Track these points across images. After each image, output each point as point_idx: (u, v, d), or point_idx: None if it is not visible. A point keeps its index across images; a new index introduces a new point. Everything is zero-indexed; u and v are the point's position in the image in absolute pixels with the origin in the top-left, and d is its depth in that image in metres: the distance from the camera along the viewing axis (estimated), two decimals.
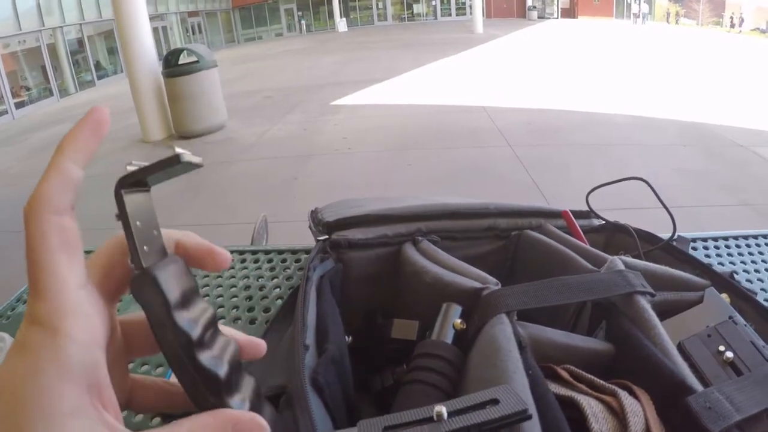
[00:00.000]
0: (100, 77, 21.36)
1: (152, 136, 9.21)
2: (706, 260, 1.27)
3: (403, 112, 9.42)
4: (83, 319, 0.32)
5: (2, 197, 7.30)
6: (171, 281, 0.35)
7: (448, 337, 0.67)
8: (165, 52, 10.84)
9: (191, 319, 0.35)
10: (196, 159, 0.35)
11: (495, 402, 0.43)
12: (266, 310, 1.13)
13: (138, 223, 0.35)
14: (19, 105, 16.14)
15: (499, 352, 0.58)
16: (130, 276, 0.34)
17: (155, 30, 10.12)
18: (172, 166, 0.34)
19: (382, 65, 15.44)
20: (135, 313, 0.39)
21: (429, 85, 11.88)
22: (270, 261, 1.37)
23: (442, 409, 0.42)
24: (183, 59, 9.18)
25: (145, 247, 0.35)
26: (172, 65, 9.05)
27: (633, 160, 6.25)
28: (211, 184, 6.31)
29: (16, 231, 5.74)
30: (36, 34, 17.51)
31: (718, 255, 1.31)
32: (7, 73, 15.69)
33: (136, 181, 0.35)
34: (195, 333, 0.35)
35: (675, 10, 32.93)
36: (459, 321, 0.68)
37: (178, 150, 0.34)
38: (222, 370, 0.35)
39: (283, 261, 1.38)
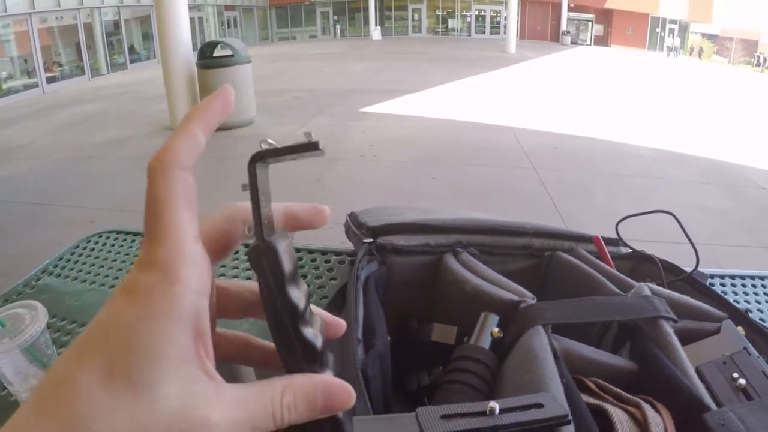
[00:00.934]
0: (132, 61, 21.56)
1: None
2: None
3: (431, 125, 9.45)
4: (197, 269, 0.33)
5: (26, 170, 7.42)
6: (285, 255, 0.36)
7: (486, 344, 0.73)
8: (199, 43, 10.94)
9: (298, 293, 0.37)
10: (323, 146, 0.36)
11: (540, 406, 0.49)
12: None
13: (262, 197, 0.36)
14: (51, 80, 16.30)
15: (536, 359, 0.63)
16: (252, 244, 0.35)
17: (191, 20, 10.22)
18: (308, 151, 0.36)
19: (413, 76, 15.47)
20: (226, 280, 0.42)
21: (458, 101, 11.89)
22: (299, 259, 1.43)
23: (495, 405, 0.48)
24: (218, 52, 9.27)
25: (265, 221, 0.36)
26: (207, 57, 9.15)
27: (655, 193, 6.26)
28: (235, 177, 6.30)
29: (35, 203, 5.87)
30: (74, 12, 17.72)
31: (734, 293, 1.35)
32: (42, 47, 15.88)
33: (263, 158, 0.36)
34: (301, 306, 0.36)
35: (708, 47, 32.85)
36: (497, 330, 0.73)
37: (314, 137, 0.35)
38: (318, 344, 0.38)
39: (314, 260, 1.43)
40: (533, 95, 13.08)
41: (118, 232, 1.71)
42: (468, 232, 0.97)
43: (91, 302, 1.35)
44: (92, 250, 1.61)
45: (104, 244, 1.64)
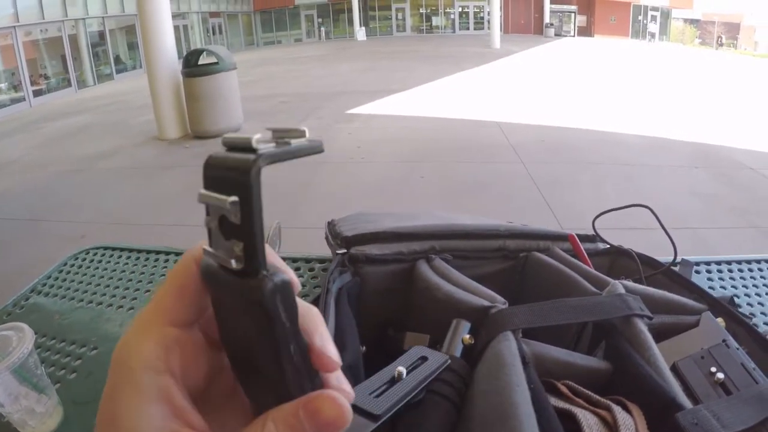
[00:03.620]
0: (119, 71, 21.52)
1: (168, 134, 9.32)
2: (708, 284, 1.33)
3: (418, 124, 9.45)
4: (160, 350, 0.34)
5: (16, 185, 7.39)
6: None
7: (457, 351, 0.72)
8: (185, 51, 10.93)
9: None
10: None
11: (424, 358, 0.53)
12: None
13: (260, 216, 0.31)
14: (37, 93, 16.27)
15: (504, 367, 0.63)
16: (255, 280, 0.31)
17: (176, 28, 10.20)
18: (312, 153, 0.33)
19: (398, 76, 15.47)
20: None
21: (444, 98, 11.90)
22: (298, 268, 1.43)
23: (402, 369, 0.58)
24: (203, 60, 9.25)
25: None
26: (192, 65, 9.12)
27: (644, 180, 6.27)
28: None
29: (26, 219, 5.85)
30: (58, 24, 17.69)
31: (721, 279, 1.36)
32: (27, 60, 15.85)
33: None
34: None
35: (691, 32, 33.00)
36: (468, 336, 0.73)
37: (314, 138, 0.34)
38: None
39: (297, 269, 1.43)
40: (519, 89, 13.10)
41: (106, 248, 1.71)
42: (442, 237, 0.97)
43: (79, 320, 1.35)
44: (80, 267, 1.61)
45: (92, 261, 1.64)
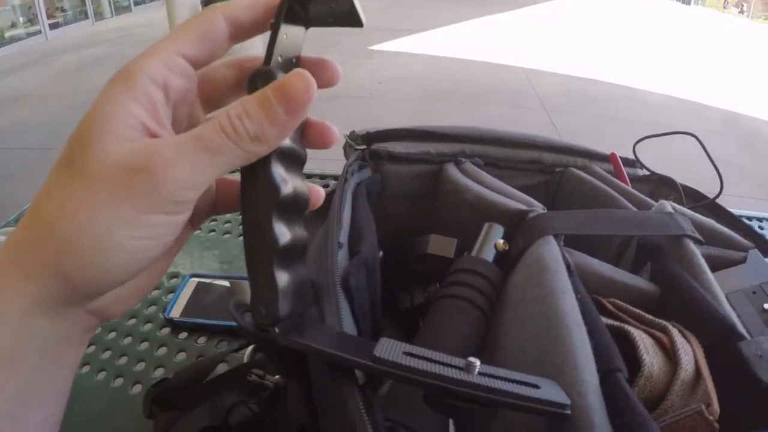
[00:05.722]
0: (137, 3, 21.10)
1: None
2: None
3: (441, 65, 9.26)
4: (163, 68, 0.34)
5: (32, 117, 7.33)
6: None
7: (489, 257, 0.63)
8: None
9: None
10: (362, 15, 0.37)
11: (535, 386, 0.38)
12: None
13: (285, 36, 0.36)
14: (54, 26, 16.01)
15: (545, 271, 0.54)
16: (255, 68, 0.35)
17: None
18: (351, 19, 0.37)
19: (423, 15, 15.14)
20: (232, 181, 0.43)
21: (470, 41, 11.65)
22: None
23: (476, 361, 0.37)
24: None
25: (279, 57, 0.35)
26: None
27: (669, 141, 6.13)
28: None
29: (38, 148, 5.79)
30: None
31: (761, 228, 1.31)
32: None
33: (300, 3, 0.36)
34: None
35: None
36: (501, 241, 0.64)
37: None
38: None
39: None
40: (549, 37, 12.82)
41: None
42: (472, 141, 0.87)
43: None
44: None
45: None
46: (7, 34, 14.58)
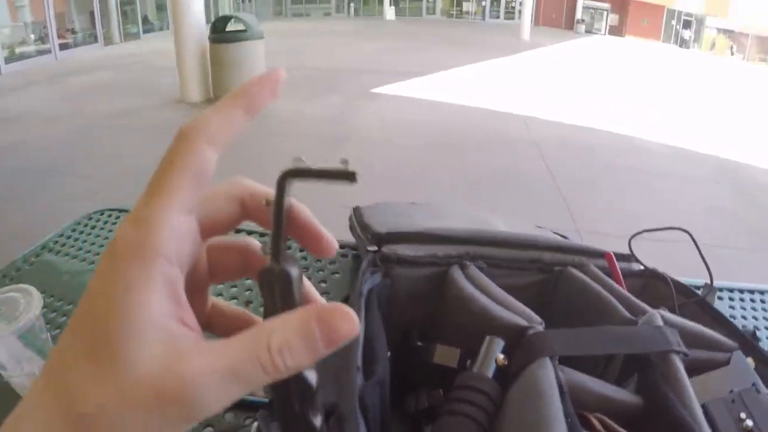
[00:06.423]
0: (145, 31, 21.49)
1: (191, 97, 9.32)
2: (730, 311, 1.31)
3: (441, 109, 9.40)
4: (173, 241, 0.33)
5: (36, 136, 7.41)
6: (297, 284, 0.35)
7: (490, 371, 0.70)
8: (212, 16, 10.91)
9: None
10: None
11: None
12: None
13: (286, 217, 0.35)
14: (63, 46, 16.28)
15: (542, 396, 0.61)
16: (266, 266, 0.35)
17: None
18: (342, 179, 0.35)
19: (424, 59, 15.37)
20: (224, 238, 0.41)
21: (469, 86, 11.82)
22: (302, 250, 1.41)
23: None
24: (230, 26, 9.24)
25: (284, 243, 0.35)
26: (220, 31, 9.13)
27: (664, 190, 6.22)
28: (243, 156, 6.34)
29: (40, 171, 5.86)
30: None
31: (743, 308, 1.34)
32: (56, 14, 15.84)
33: (294, 176, 0.35)
34: None
35: (722, 42, 32.53)
36: (502, 357, 0.70)
37: (351, 167, 0.35)
38: (314, 383, 0.36)
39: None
40: (545, 84, 12.99)
41: (120, 211, 1.69)
42: (477, 243, 0.94)
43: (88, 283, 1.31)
44: (93, 228, 1.60)
45: (105, 222, 1.63)
46: (18, 50, 14.76)
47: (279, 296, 0.34)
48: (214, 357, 0.31)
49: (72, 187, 5.51)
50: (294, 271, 0.35)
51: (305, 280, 0.38)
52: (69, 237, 1.55)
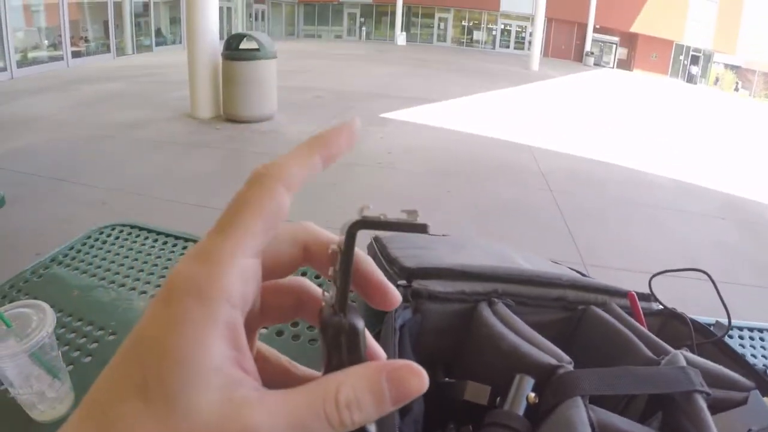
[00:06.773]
0: (158, 44, 21.73)
1: (201, 113, 9.39)
2: (740, 350, 1.33)
3: (450, 137, 9.45)
4: (240, 284, 0.32)
5: (44, 143, 7.47)
6: (363, 338, 0.34)
7: (521, 410, 0.72)
8: (225, 33, 10.99)
9: None
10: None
11: None
12: (310, 327, 1.21)
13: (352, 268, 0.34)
14: (76, 54, 16.48)
15: None
16: (334, 320, 0.34)
17: (220, 9, 10.24)
18: (413, 231, 0.34)
19: (434, 86, 15.47)
20: (279, 279, 0.39)
21: (478, 115, 11.87)
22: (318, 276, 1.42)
23: None
24: (244, 44, 9.30)
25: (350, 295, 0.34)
26: (233, 48, 9.17)
27: (670, 225, 6.23)
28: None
29: (48, 177, 5.89)
30: None
31: (752, 346, 1.37)
32: (70, 21, 16.02)
33: (364, 227, 0.34)
34: None
35: (729, 78, 32.73)
36: (533, 395, 0.73)
37: (421, 219, 0.34)
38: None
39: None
40: (553, 115, 13.05)
41: (132, 226, 1.69)
42: (504, 281, 0.97)
43: (98, 299, 1.32)
44: (104, 243, 1.59)
45: (117, 238, 1.62)
46: (30, 55, 14.90)
47: (346, 350, 0.33)
48: (278, 407, 0.31)
49: (78, 195, 5.58)
50: (360, 324, 0.34)
51: (366, 332, 0.37)
52: (79, 251, 1.54)
